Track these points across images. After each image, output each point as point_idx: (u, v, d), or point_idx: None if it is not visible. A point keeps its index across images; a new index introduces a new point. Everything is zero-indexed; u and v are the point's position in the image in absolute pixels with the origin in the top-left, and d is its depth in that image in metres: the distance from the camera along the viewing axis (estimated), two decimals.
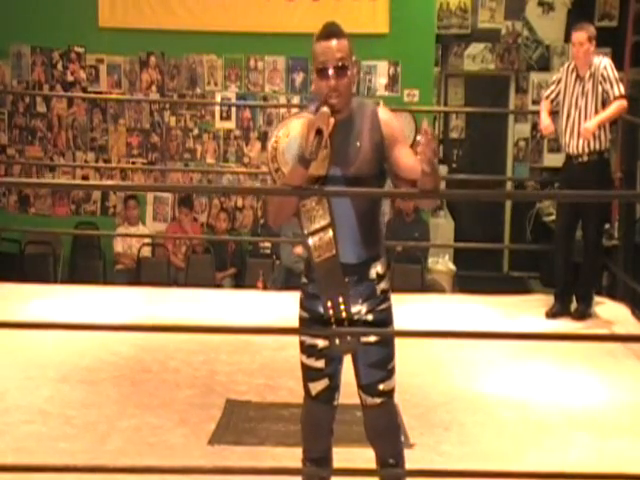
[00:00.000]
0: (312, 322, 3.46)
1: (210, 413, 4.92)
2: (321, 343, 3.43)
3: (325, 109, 3.28)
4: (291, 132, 3.35)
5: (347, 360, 3.46)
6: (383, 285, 3.46)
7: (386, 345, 3.43)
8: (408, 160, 3.33)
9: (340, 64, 3.33)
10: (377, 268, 3.46)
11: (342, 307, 3.42)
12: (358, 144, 3.35)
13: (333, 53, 3.34)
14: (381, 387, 3.48)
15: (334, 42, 3.35)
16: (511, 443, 4.51)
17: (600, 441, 4.54)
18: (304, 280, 3.49)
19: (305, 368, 3.50)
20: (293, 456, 3.81)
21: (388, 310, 3.46)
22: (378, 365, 3.48)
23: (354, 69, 3.41)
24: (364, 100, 3.56)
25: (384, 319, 3.42)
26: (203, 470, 3.90)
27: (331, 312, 3.42)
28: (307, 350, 3.46)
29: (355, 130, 3.38)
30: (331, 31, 3.39)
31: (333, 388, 3.51)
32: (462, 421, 4.80)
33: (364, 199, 3.36)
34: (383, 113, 3.43)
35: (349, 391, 3.56)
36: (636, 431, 4.69)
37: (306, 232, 3.41)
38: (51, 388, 5.16)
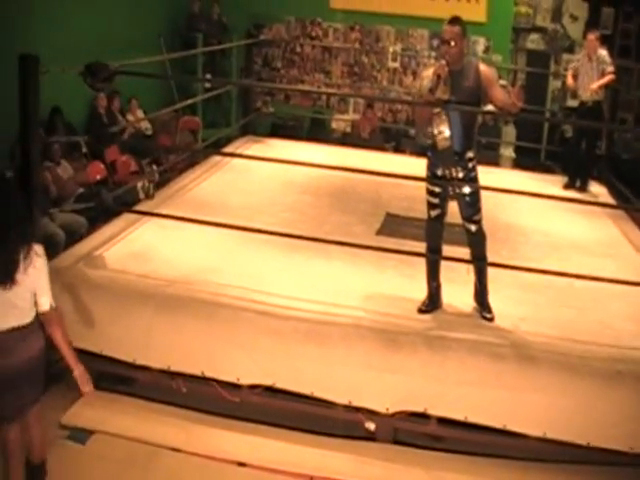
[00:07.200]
0: (432, 178, 4.21)
1: (377, 218, 5.73)
2: (437, 189, 4.25)
3: (443, 62, 3.96)
4: (429, 73, 4.11)
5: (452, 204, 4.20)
6: (472, 163, 4.17)
7: (474, 194, 4.20)
8: (499, 95, 4.06)
9: (449, 39, 3.96)
10: (469, 154, 4.23)
11: (453, 170, 4.20)
12: (466, 83, 4.08)
13: (447, 33, 3.98)
14: (475, 217, 4.25)
15: (448, 27, 4.01)
16: (534, 254, 5.39)
17: (581, 258, 5.49)
18: (429, 154, 4.21)
19: (428, 203, 4.29)
20: (421, 247, 4.47)
21: (475, 175, 4.19)
22: (471, 205, 4.20)
23: (462, 44, 4.00)
24: (472, 59, 4.18)
25: (473, 179, 4.21)
26: (371, 247, 4.66)
27: (447, 172, 4.22)
28: (431, 193, 4.28)
29: (464, 75, 4.07)
30: (450, 20, 4.03)
31: (442, 215, 4.29)
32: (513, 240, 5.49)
33: (466, 114, 4.05)
34: (482, 66, 4.10)
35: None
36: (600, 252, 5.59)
37: (435, 131, 4.11)
38: (294, 198, 6.01)
